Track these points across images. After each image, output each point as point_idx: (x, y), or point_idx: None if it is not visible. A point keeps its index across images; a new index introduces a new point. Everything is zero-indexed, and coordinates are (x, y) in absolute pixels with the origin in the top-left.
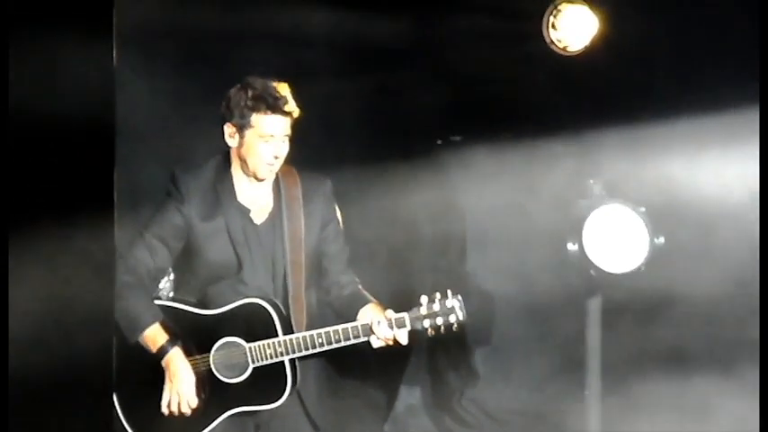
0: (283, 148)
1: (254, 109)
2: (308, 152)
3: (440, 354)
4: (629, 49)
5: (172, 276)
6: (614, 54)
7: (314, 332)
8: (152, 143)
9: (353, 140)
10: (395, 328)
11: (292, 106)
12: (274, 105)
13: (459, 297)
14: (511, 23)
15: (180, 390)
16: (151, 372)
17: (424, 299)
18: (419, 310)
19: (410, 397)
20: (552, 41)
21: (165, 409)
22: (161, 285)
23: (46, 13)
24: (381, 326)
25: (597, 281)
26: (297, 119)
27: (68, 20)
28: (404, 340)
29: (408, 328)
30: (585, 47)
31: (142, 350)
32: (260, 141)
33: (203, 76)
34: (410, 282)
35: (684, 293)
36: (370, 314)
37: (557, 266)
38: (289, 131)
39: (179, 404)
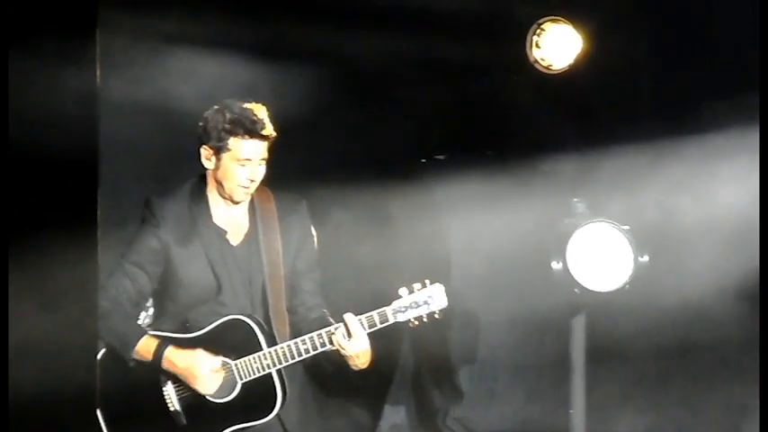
0: (260, 172)
1: (232, 132)
2: (288, 173)
3: (424, 372)
4: (613, 67)
5: (150, 311)
6: (598, 73)
7: (297, 340)
8: (136, 165)
9: (335, 159)
10: (377, 325)
11: (270, 130)
12: (252, 129)
13: (440, 284)
14: (495, 42)
15: (198, 370)
16: (138, 393)
17: (403, 290)
18: (400, 302)
19: (395, 416)
20: (536, 60)
21: (206, 390)
22: (141, 318)
23: (28, 33)
24: (339, 331)
25: (582, 299)
26: (274, 141)
27: (51, 39)
28: (356, 351)
29: (391, 321)
30: (569, 65)
31: (129, 370)
32: (236, 165)
33: (185, 95)
34: (392, 299)
35: (669, 312)
36: (350, 319)
37: (541, 285)
38: (265, 155)
39: (208, 378)
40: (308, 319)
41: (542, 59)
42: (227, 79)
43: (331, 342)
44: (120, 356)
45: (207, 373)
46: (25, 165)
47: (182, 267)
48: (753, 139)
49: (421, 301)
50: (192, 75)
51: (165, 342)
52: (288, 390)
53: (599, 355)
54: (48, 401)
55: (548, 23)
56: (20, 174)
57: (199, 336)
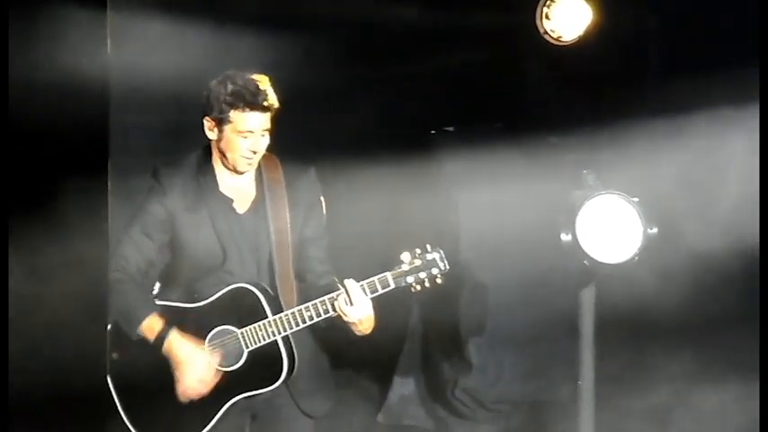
0: (263, 143)
1: (233, 105)
2: (296, 143)
3: (433, 344)
4: (623, 38)
5: (157, 285)
6: (608, 44)
7: (301, 306)
8: (146, 135)
9: (344, 130)
10: (379, 290)
11: (272, 100)
12: (252, 102)
13: (440, 249)
14: (504, 14)
15: (191, 372)
16: (152, 371)
17: (405, 256)
18: (401, 267)
19: (403, 387)
20: (546, 32)
21: (187, 395)
22: (155, 288)
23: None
24: (341, 298)
25: (591, 271)
26: (280, 110)
27: (62, 10)
28: (359, 317)
29: (392, 287)
30: (579, 37)
31: (141, 348)
32: (238, 136)
33: (195, 66)
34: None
35: (677, 284)
36: (351, 285)
37: (550, 256)
38: (268, 126)
39: (194, 386)
40: (317, 286)
41: (552, 31)
42: (235, 51)
43: (334, 309)
44: (124, 332)
45: (197, 377)
46: (35, 136)
47: (188, 236)
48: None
49: (422, 266)
50: (201, 46)
51: (169, 324)
52: (296, 357)
53: (608, 326)
54: (57, 373)
55: None
56: (29, 144)
57: (204, 305)
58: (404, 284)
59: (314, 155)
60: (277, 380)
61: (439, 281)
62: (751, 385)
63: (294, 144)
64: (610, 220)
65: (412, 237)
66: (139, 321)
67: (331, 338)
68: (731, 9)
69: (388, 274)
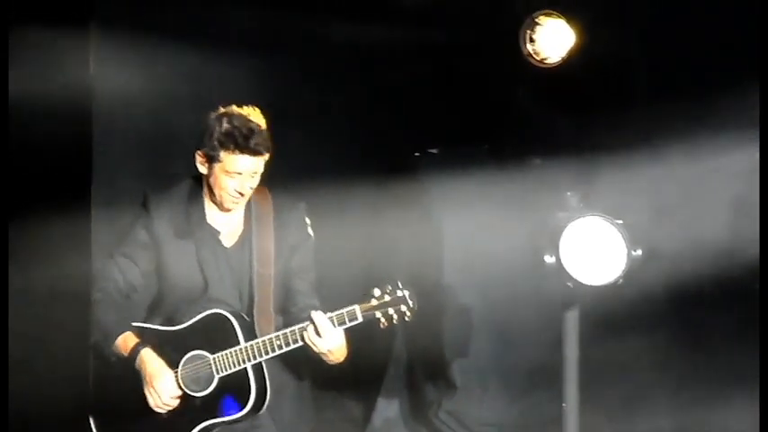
0: (251, 184)
1: (223, 145)
2: (281, 165)
3: (417, 366)
4: (606, 60)
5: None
6: (592, 67)
7: (272, 335)
8: (129, 150)
9: (329, 152)
10: (347, 322)
11: (264, 146)
12: (243, 145)
13: (408, 289)
14: (488, 36)
15: (158, 385)
16: (126, 388)
17: (376, 291)
18: (370, 301)
19: (388, 409)
20: (530, 54)
21: (154, 408)
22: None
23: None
24: (310, 329)
25: (575, 293)
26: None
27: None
28: (329, 347)
29: (360, 320)
30: (563, 59)
31: (117, 366)
32: (226, 176)
33: (180, 86)
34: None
35: (661, 306)
36: (318, 317)
37: (534, 279)
38: (259, 169)
39: (161, 399)
40: (299, 319)
41: (536, 53)
42: (221, 73)
43: (303, 339)
44: (101, 350)
45: (168, 386)
46: (20, 152)
47: (172, 265)
48: (749, 134)
49: (390, 302)
50: (186, 67)
51: (143, 342)
52: (268, 387)
53: (592, 349)
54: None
55: (542, 17)
56: (16, 159)
57: (181, 329)
58: (372, 318)
59: (297, 181)
60: (243, 408)
61: (407, 318)
62: (735, 404)
63: (279, 169)
64: (594, 243)
65: (395, 260)
66: (114, 338)
67: (313, 361)
68: (716, 33)
69: (357, 307)
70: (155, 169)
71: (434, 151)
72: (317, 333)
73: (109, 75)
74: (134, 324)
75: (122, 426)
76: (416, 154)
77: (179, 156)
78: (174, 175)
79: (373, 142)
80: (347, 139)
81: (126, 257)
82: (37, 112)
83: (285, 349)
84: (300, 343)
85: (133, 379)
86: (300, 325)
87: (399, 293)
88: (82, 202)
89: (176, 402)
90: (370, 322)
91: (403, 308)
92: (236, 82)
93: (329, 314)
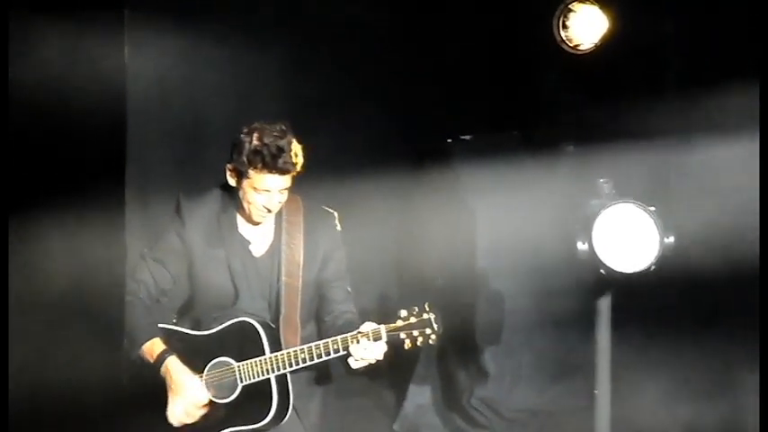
0: (280, 199)
1: (252, 164)
2: (311, 155)
3: (449, 353)
4: (639, 47)
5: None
6: (625, 52)
7: (297, 348)
8: (163, 135)
9: (359, 140)
10: (371, 341)
11: (294, 163)
12: (272, 165)
13: (435, 313)
14: (522, 22)
15: (187, 395)
16: (148, 393)
17: (402, 312)
18: (396, 323)
19: (420, 396)
20: (563, 40)
21: (172, 420)
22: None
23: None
24: (356, 346)
25: (607, 280)
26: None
27: (81, 14)
28: (377, 357)
29: (384, 339)
30: (595, 45)
31: (141, 369)
32: (255, 192)
33: (218, 66)
34: (420, 280)
35: (694, 293)
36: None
37: (567, 266)
38: (287, 186)
39: (185, 410)
40: (336, 326)
41: (569, 39)
42: (253, 61)
43: (328, 354)
44: (127, 353)
45: (184, 406)
46: (54, 135)
47: (203, 272)
48: None
49: (416, 324)
50: (219, 52)
51: (169, 350)
52: (291, 396)
53: (624, 336)
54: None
55: (575, 4)
56: (47, 146)
57: (208, 334)
58: (396, 339)
59: (328, 169)
60: (264, 418)
61: (431, 342)
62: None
63: (308, 160)
64: (626, 229)
65: (427, 248)
66: (140, 344)
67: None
68: (749, 20)
69: (382, 328)
70: (190, 156)
71: (467, 138)
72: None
73: (144, 60)
74: (161, 326)
75: (141, 430)
76: (449, 140)
77: (213, 143)
78: (207, 163)
79: (406, 129)
80: (378, 126)
81: (157, 262)
82: (71, 98)
83: (309, 363)
84: (324, 358)
85: (156, 385)
86: (324, 340)
87: (425, 316)
88: (116, 190)
89: (202, 413)
90: (395, 342)
91: (428, 331)
92: (266, 68)
93: (351, 333)
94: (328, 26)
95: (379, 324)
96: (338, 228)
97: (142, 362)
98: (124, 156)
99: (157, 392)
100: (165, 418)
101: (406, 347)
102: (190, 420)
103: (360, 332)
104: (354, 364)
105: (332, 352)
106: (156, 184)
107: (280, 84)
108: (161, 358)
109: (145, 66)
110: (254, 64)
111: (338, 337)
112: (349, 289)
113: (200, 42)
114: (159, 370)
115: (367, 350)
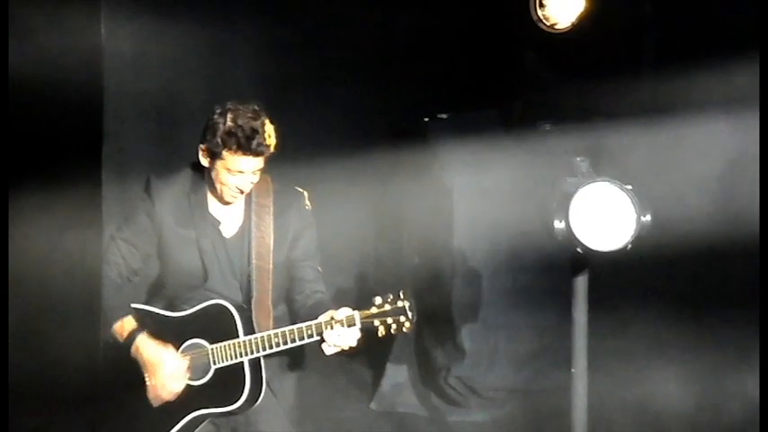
0: (252, 180)
1: (225, 145)
2: (285, 133)
3: (426, 331)
4: (617, 26)
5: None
6: (602, 31)
7: (270, 332)
8: (140, 120)
9: (334, 119)
10: (345, 327)
11: (267, 145)
12: (246, 146)
13: (410, 301)
14: (499, 1)
15: (161, 367)
16: (119, 373)
17: (377, 299)
18: (370, 310)
19: (397, 375)
20: (540, 19)
21: (153, 401)
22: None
23: None
24: (330, 332)
25: (584, 258)
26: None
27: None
28: (350, 343)
29: (358, 326)
30: (573, 24)
31: (111, 350)
32: (228, 173)
33: (194, 47)
34: (397, 259)
35: (670, 271)
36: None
37: (543, 244)
38: (260, 167)
39: (165, 384)
40: (306, 306)
41: (546, 18)
42: (228, 46)
43: (302, 338)
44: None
45: (168, 374)
46: (30, 114)
47: (173, 251)
48: (756, 96)
49: (390, 311)
50: (196, 33)
51: (140, 328)
52: (264, 380)
53: (601, 314)
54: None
55: None
56: (25, 123)
57: (183, 316)
58: (370, 326)
59: (303, 147)
60: (236, 401)
61: (405, 330)
62: (748, 372)
63: (282, 139)
64: (603, 208)
65: (404, 226)
66: (113, 321)
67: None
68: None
69: (356, 314)
70: (166, 136)
71: (444, 116)
72: (335, 332)
73: (120, 41)
74: (134, 306)
75: (114, 410)
76: (425, 119)
77: (189, 123)
78: (182, 144)
79: (382, 107)
80: (355, 105)
81: (126, 242)
82: (46, 79)
83: (282, 347)
84: (298, 342)
85: (127, 364)
86: (298, 325)
87: (400, 304)
88: (92, 170)
89: (183, 386)
90: (369, 329)
91: (402, 319)
92: (241, 47)
93: (323, 318)
94: (303, 5)
95: (354, 310)
96: (308, 207)
97: (115, 341)
98: (101, 136)
99: (133, 372)
100: (142, 399)
101: (379, 335)
102: (172, 397)
103: (334, 318)
104: (328, 349)
105: (306, 337)
106: (131, 164)
107: (255, 62)
108: (132, 336)
109: (121, 45)
110: (229, 43)
111: (312, 323)
112: (319, 268)
113: (176, 22)
114: (130, 350)
115: (341, 337)
